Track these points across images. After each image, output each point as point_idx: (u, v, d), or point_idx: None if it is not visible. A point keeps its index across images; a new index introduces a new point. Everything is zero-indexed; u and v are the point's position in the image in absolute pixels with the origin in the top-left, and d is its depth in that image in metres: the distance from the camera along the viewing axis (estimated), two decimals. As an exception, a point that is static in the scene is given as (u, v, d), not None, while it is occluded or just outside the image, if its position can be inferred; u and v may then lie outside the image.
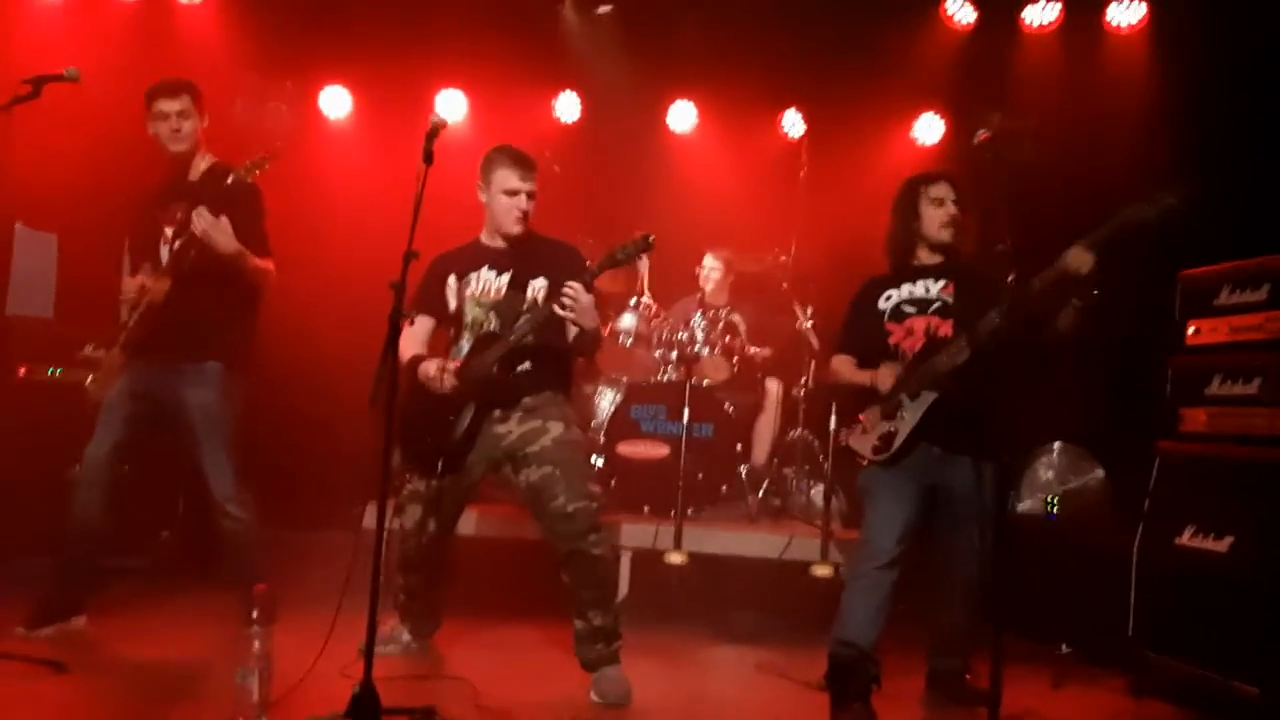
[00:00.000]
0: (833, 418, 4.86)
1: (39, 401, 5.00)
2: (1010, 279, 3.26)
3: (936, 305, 3.79)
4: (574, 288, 3.60)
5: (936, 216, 3.81)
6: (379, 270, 3.32)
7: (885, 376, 3.73)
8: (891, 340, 3.82)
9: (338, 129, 6.86)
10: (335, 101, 6.79)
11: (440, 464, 3.83)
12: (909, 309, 3.82)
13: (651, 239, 3.61)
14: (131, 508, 4.81)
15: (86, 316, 5.16)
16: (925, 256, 3.88)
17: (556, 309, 3.62)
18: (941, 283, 3.82)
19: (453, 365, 3.83)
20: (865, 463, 3.81)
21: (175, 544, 5.29)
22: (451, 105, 6.73)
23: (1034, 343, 3.50)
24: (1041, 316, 3.49)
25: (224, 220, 3.92)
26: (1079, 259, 3.33)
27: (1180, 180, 3.25)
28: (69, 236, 5.71)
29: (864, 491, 3.80)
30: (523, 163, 3.89)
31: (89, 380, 4.12)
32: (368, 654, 3.06)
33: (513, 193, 3.86)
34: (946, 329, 3.74)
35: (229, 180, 3.94)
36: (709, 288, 6.11)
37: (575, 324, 3.71)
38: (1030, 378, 3.40)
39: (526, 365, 3.84)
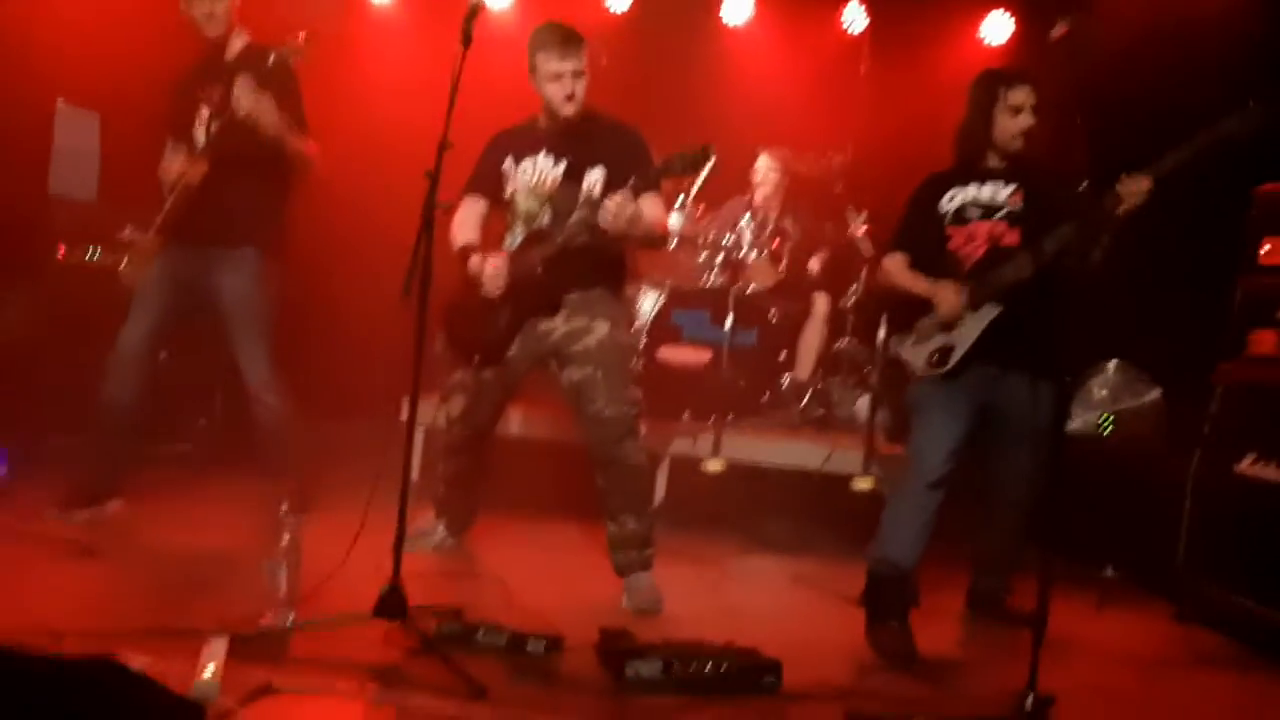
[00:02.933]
0: (881, 329, 4.70)
1: (77, 283, 4.93)
2: (1083, 186, 3.07)
3: (1003, 212, 3.59)
4: (615, 202, 3.40)
5: (1010, 126, 3.55)
6: (420, 159, 3.18)
7: (948, 297, 3.53)
8: (950, 245, 3.63)
9: (381, 12, 6.68)
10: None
11: (480, 357, 3.75)
12: (973, 212, 3.62)
13: (712, 152, 3.39)
14: (170, 394, 4.82)
15: (131, 199, 5.07)
16: (994, 160, 3.65)
17: (600, 225, 3.45)
18: (1010, 188, 3.60)
19: (500, 259, 3.68)
20: (917, 376, 3.66)
21: (213, 431, 5.31)
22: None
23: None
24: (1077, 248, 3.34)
25: (268, 96, 3.81)
26: (1139, 186, 3.21)
27: (1270, 96, 3.05)
28: (115, 116, 5.58)
29: (914, 406, 3.66)
30: (564, 40, 3.62)
31: (123, 263, 4.07)
32: (396, 550, 3.01)
33: (557, 75, 3.62)
34: (1012, 238, 3.55)
35: (269, 61, 3.82)
36: (764, 191, 5.80)
37: (623, 238, 3.56)
38: (1089, 295, 3.24)
39: (577, 261, 3.66)
